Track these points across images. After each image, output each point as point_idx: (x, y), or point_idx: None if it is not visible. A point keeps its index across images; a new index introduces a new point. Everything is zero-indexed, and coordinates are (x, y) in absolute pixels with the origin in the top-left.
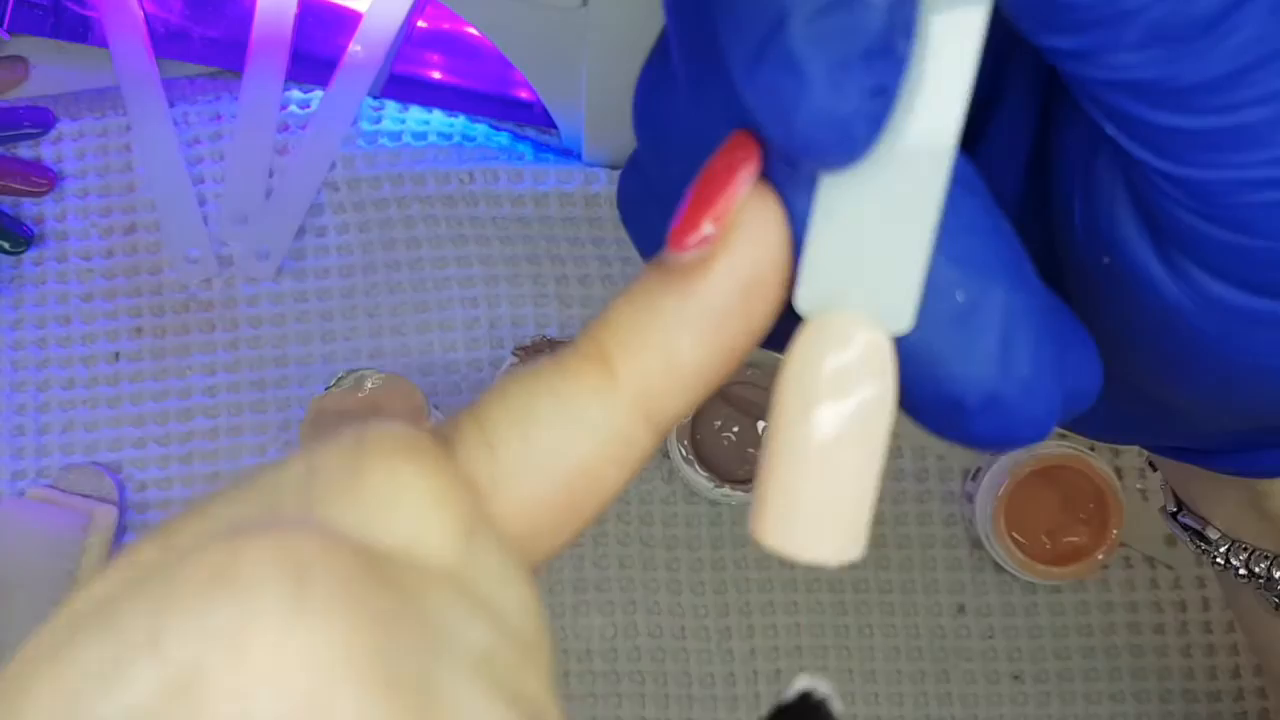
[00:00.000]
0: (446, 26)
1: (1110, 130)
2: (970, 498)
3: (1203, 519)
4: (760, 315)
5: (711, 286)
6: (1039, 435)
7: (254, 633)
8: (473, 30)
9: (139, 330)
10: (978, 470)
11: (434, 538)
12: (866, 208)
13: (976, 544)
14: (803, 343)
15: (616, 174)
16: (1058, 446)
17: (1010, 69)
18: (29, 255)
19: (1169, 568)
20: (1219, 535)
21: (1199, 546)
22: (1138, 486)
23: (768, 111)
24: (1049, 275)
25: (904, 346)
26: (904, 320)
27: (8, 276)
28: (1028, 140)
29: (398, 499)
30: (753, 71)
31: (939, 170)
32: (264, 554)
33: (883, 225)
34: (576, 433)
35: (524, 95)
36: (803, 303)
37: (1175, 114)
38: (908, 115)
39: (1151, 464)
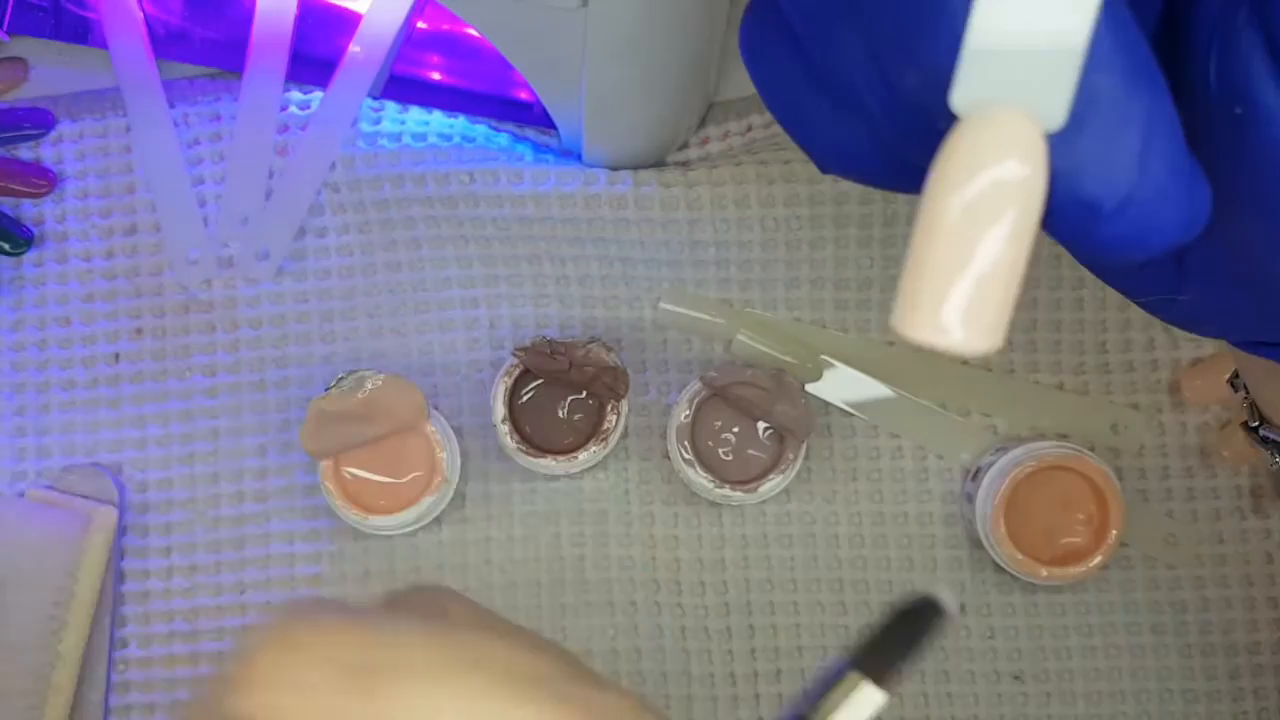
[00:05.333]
0: (446, 27)
1: None
2: (970, 498)
3: None
4: None
5: None
6: (1165, 244)
7: None
8: (473, 31)
9: (139, 331)
10: (977, 470)
11: None
12: (1028, 7)
13: (976, 544)
14: (965, 138)
15: (616, 175)
16: (1056, 447)
17: None
18: (29, 256)
19: (1169, 568)
20: None
21: (1277, 462)
22: (1138, 487)
23: None
24: None
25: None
26: (1057, 118)
27: (8, 277)
28: (1158, 2)
29: None
30: None
31: None
32: None
33: (1043, 25)
34: None
35: (524, 96)
36: (959, 101)
37: None
38: None
39: (1233, 384)
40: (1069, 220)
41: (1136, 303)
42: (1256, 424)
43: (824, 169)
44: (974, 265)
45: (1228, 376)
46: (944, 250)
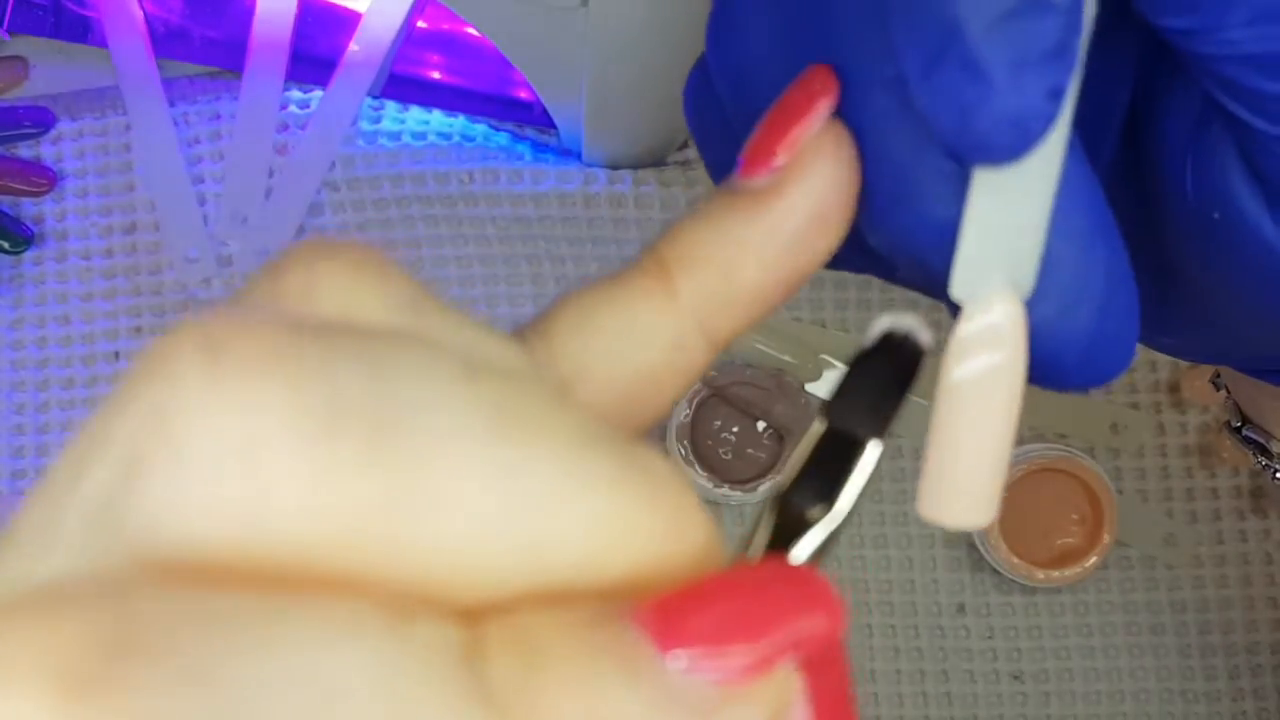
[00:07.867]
0: (446, 26)
1: (1223, 99)
2: None
3: (1267, 433)
4: (823, 247)
5: (779, 215)
6: (1118, 374)
7: (175, 408)
8: (473, 30)
9: (139, 330)
10: None
11: (368, 307)
12: (1008, 194)
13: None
14: (963, 330)
15: (616, 174)
16: (1047, 449)
17: (1109, 44)
18: (29, 255)
19: (1169, 568)
20: None
21: (1260, 461)
22: (1138, 487)
23: (946, 111)
24: (1141, 232)
25: None
26: (1026, 288)
27: (8, 276)
28: (1122, 111)
29: (315, 286)
30: (931, 73)
31: (1059, 148)
32: (180, 339)
33: (1018, 205)
34: (635, 341)
35: (524, 95)
36: (958, 290)
37: None
38: None
39: (1215, 383)
40: (1035, 372)
41: None
42: (1239, 424)
43: None
44: (967, 452)
45: (1209, 376)
46: (939, 441)
